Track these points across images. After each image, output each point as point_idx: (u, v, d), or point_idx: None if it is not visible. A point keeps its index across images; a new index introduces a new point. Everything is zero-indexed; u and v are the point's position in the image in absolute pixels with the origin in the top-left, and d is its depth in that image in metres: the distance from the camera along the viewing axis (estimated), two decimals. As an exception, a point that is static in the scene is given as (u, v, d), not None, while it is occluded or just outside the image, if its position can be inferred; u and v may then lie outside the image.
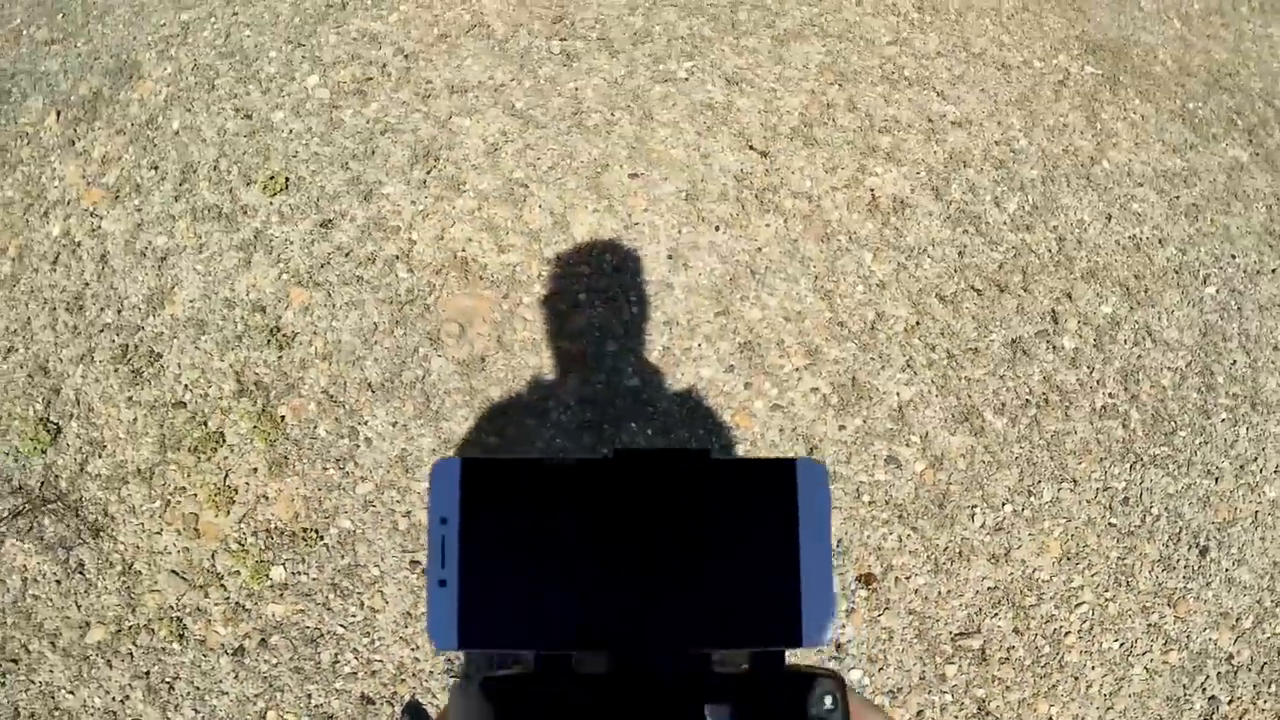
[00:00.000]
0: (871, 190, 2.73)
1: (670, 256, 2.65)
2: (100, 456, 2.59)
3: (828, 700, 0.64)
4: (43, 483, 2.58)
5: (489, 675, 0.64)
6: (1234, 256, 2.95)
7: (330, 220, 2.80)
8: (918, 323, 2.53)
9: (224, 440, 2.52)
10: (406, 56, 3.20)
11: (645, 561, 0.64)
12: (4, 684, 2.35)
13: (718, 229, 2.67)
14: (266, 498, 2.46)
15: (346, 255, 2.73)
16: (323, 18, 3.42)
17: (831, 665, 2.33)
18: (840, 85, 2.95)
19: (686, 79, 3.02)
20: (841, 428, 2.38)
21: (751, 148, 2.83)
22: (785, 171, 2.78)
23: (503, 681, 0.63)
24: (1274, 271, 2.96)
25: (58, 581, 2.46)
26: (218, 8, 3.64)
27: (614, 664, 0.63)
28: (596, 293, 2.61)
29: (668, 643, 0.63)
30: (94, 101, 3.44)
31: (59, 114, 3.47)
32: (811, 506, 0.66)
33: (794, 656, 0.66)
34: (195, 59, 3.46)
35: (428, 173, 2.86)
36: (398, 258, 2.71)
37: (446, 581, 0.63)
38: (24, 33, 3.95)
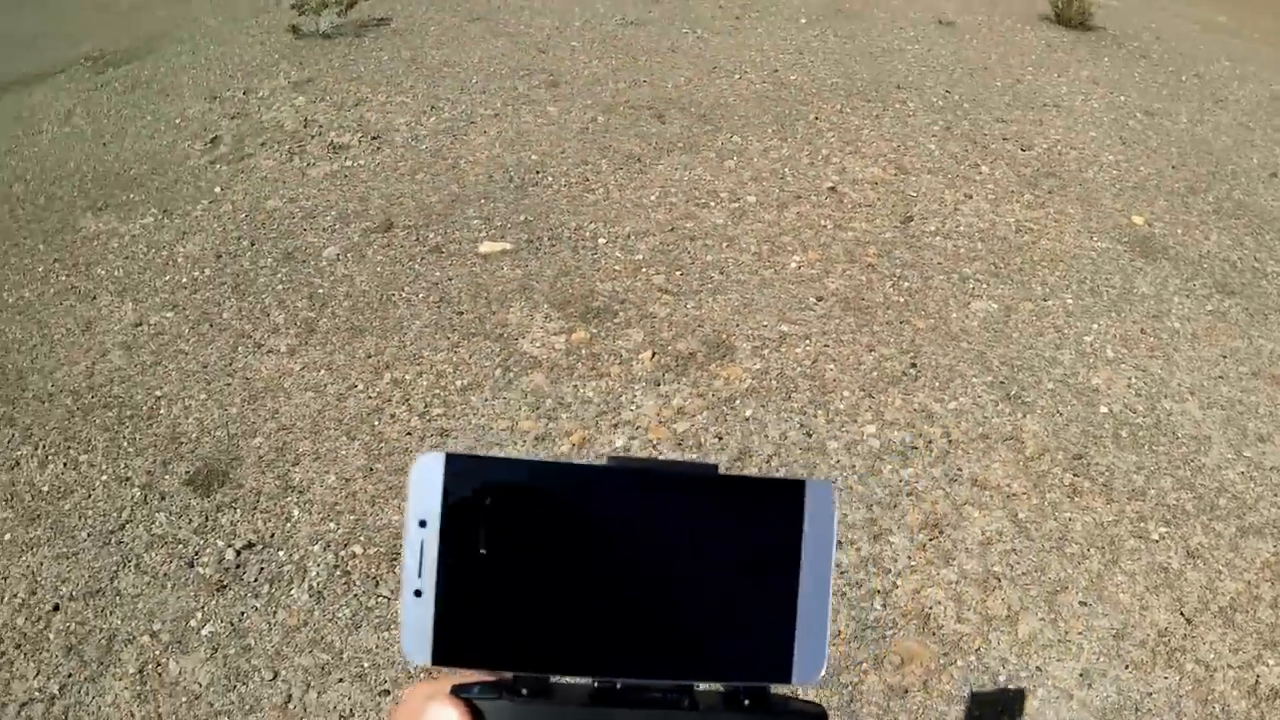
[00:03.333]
0: (1258, 676, 3.37)
1: (1082, 674, 3.37)
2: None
3: None
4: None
5: (460, 685, 0.66)
6: None
7: (840, 542, 3.74)
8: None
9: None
10: (950, 441, 4.19)
11: (636, 582, 0.67)
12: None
13: (1127, 668, 3.39)
14: None
15: (842, 573, 3.67)
16: (896, 381, 4.52)
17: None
18: (1273, 583, 3.66)
19: (1158, 541, 3.81)
20: None
21: (1182, 613, 3.55)
22: (1199, 640, 3.47)
23: (476, 696, 0.65)
24: None
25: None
26: (814, 331, 4.79)
27: (595, 690, 0.66)
28: (1011, 679, 3.37)
29: (652, 671, 0.67)
30: (687, 361, 4.59)
31: (654, 355, 4.65)
32: (817, 532, 0.69)
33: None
34: (782, 368, 4.57)
35: (929, 539, 3.78)
36: (879, 592, 3.60)
37: (422, 592, 0.65)
38: (642, 272, 5.24)
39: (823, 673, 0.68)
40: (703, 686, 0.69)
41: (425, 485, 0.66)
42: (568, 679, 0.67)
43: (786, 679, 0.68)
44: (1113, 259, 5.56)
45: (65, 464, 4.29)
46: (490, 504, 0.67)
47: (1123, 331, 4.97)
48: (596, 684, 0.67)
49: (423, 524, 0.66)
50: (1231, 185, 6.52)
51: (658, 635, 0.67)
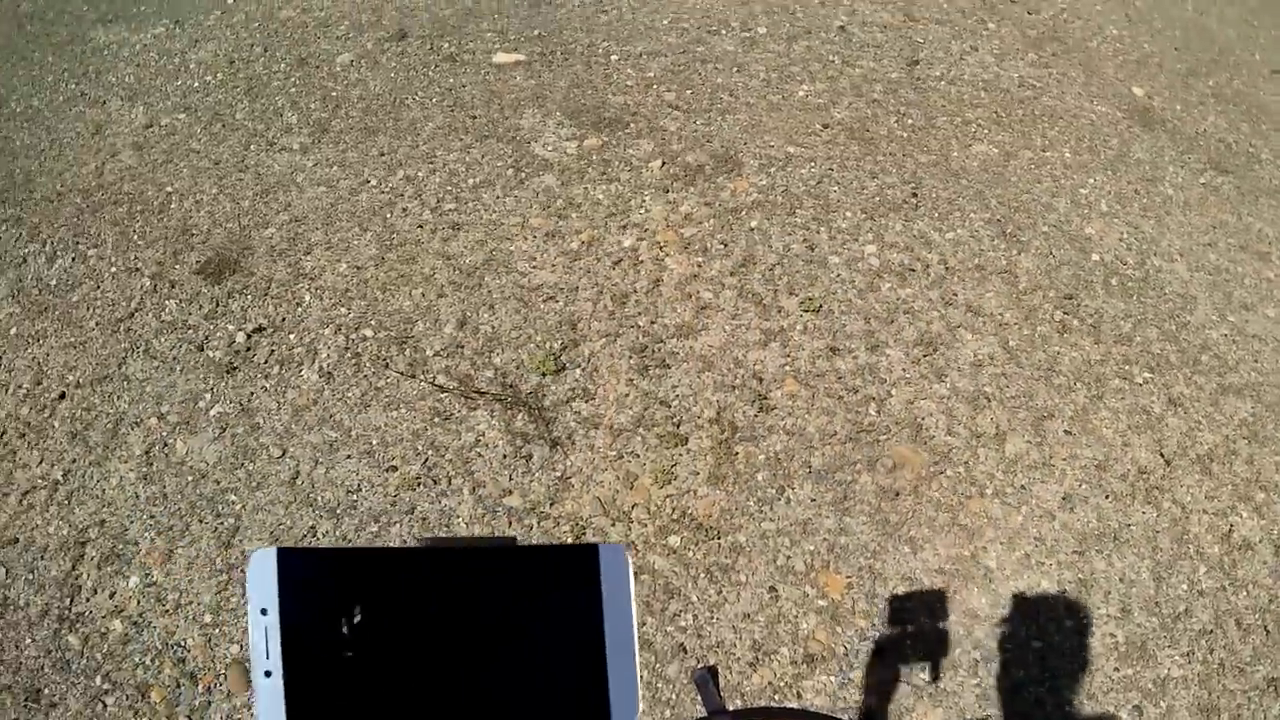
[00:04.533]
0: (1231, 526, 3.46)
1: (1064, 497, 3.47)
2: (586, 402, 3.61)
3: None
4: (531, 393, 3.63)
5: None
6: None
7: (838, 349, 3.84)
8: (1213, 631, 3.21)
9: (685, 443, 3.49)
10: (947, 268, 4.26)
11: (458, 650, 0.71)
12: (413, 491, 3.36)
13: (1107, 497, 3.49)
14: (695, 493, 3.35)
15: (839, 378, 3.75)
16: (897, 208, 4.56)
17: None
18: (1249, 441, 3.74)
19: (1141, 385, 3.89)
20: (1116, 670, 3.09)
21: (1161, 454, 3.65)
22: (1176, 483, 3.57)
23: None
24: None
25: (503, 456, 3.43)
26: (819, 155, 4.83)
27: None
28: (997, 494, 3.46)
29: None
30: (695, 172, 4.63)
31: (664, 164, 4.68)
32: (615, 591, 0.73)
33: None
34: (788, 185, 4.61)
35: (924, 356, 3.85)
36: (873, 400, 3.68)
37: (272, 673, 0.70)
38: (653, 89, 5.26)
39: (638, 717, 0.72)
40: None
41: (262, 577, 0.71)
42: None
43: None
44: (1111, 123, 5.57)
45: (74, 259, 4.32)
46: (321, 590, 0.71)
47: (1117, 189, 5.00)
48: None
49: (264, 612, 0.71)
50: (1232, 74, 6.50)
51: (484, 698, 0.72)
